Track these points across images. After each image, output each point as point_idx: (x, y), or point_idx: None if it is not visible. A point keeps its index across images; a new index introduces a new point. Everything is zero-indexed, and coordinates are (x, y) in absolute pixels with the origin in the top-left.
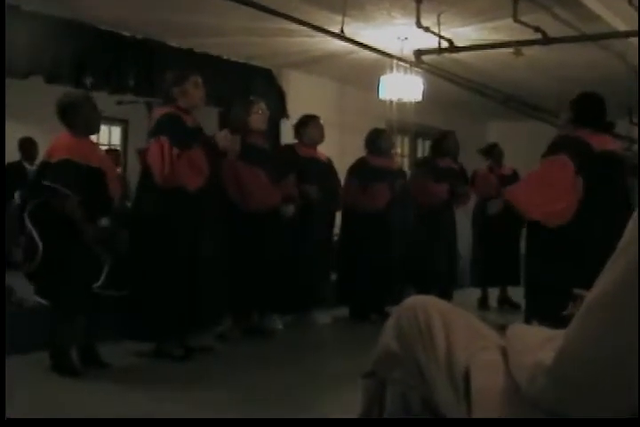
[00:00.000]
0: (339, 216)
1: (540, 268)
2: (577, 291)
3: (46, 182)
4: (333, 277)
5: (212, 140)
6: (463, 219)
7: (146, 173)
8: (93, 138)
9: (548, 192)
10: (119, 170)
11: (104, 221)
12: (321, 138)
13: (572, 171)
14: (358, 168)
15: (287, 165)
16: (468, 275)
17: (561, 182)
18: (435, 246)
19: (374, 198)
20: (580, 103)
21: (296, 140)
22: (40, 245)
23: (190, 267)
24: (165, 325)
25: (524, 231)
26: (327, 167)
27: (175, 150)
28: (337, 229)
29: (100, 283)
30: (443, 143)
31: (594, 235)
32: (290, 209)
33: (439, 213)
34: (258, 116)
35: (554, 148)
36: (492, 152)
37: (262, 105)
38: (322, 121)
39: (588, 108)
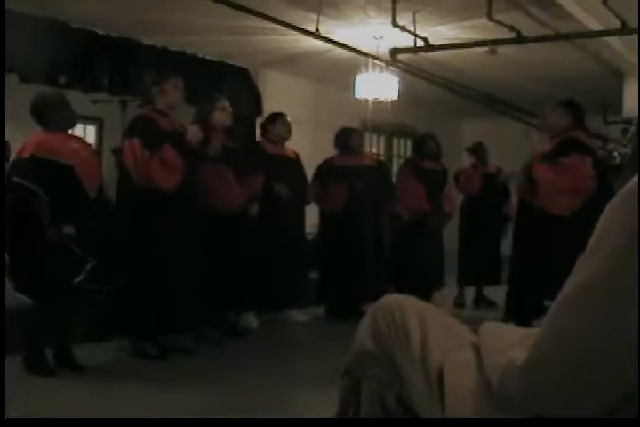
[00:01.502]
0: (310, 212)
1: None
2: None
3: (15, 179)
4: (313, 275)
5: (184, 138)
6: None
7: (123, 173)
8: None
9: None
10: None
11: (67, 229)
12: (288, 135)
13: (593, 173)
14: (320, 169)
15: (253, 162)
16: (455, 273)
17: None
18: (418, 246)
19: (332, 199)
20: (576, 107)
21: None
22: (7, 242)
23: (168, 266)
24: (142, 324)
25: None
26: (295, 163)
27: (146, 152)
28: (310, 227)
29: (80, 278)
30: (423, 145)
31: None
32: (254, 209)
33: (424, 213)
34: (221, 112)
35: (567, 149)
36: (477, 150)
37: (225, 102)
38: (289, 118)
39: (582, 112)
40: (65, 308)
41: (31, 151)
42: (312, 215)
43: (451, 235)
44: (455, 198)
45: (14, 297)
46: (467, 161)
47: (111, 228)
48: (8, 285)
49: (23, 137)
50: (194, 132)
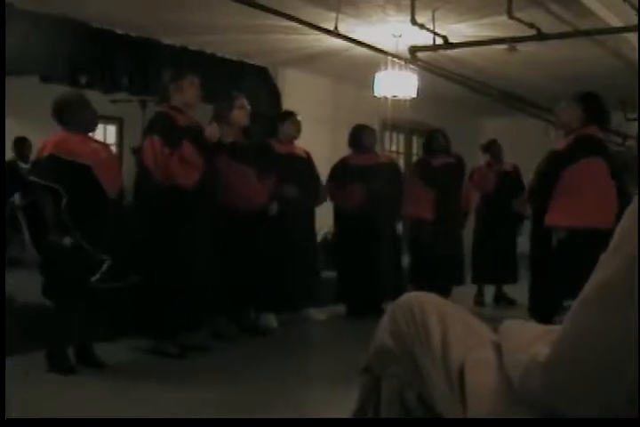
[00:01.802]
0: (322, 211)
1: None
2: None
3: (32, 178)
4: (328, 274)
5: (202, 135)
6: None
7: (143, 171)
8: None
9: (595, 199)
10: None
11: (67, 240)
12: (297, 133)
13: (609, 174)
14: (336, 169)
15: (265, 161)
16: (470, 272)
17: (604, 187)
18: (437, 244)
19: (349, 199)
20: (590, 101)
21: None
22: (30, 242)
23: (188, 265)
24: (163, 322)
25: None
26: (306, 162)
27: (166, 149)
28: (323, 226)
29: (96, 277)
30: (432, 141)
31: None
32: (274, 207)
33: (440, 213)
34: (239, 111)
35: (579, 149)
36: (491, 148)
37: (244, 100)
38: (299, 117)
39: (599, 106)
40: (83, 307)
41: (50, 151)
42: (327, 215)
43: (467, 233)
44: (473, 197)
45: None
46: (482, 159)
47: (130, 226)
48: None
49: (44, 137)
50: (212, 130)
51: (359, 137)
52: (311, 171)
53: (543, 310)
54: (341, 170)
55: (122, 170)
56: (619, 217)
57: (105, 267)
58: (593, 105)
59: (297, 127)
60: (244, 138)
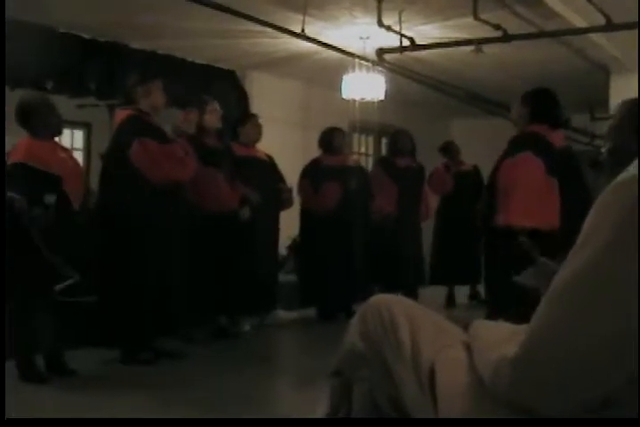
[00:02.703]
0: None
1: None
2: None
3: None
4: (290, 278)
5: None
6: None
7: (129, 174)
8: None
9: (532, 197)
10: None
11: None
12: (258, 136)
13: (543, 169)
14: (309, 169)
15: (228, 165)
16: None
17: (537, 182)
18: (400, 245)
19: (325, 198)
20: (535, 98)
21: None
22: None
23: (159, 269)
24: (134, 329)
25: None
26: (268, 166)
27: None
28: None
29: (60, 288)
30: (398, 142)
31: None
32: (246, 211)
33: (403, 211)
34: (212, 115)
35: (515, 146)
36: (448, 149)
37: (216, 104)
38: (260, 120)
39: (544, 104)
40: (44, 316)
41: (21, 159)
42: (294, 219)
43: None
44: (429, 202)
45: None
46: (439, 161)
47: (93, 238)
48: None
49: (9, 142)
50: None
51: (330, 139)
52: (273, 174)
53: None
54: (314, 170)
55: (87, 177)
56: (573, 216)
57: (70, 282)
58: (539, 103)
59: (258, 130)
60: (217, 142)
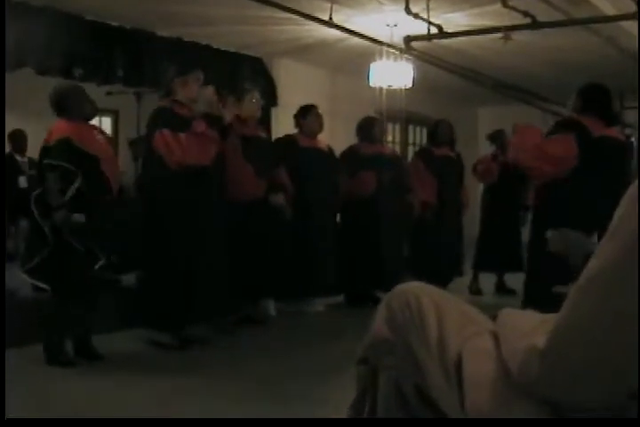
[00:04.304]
0: None
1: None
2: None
3: (47, 161)
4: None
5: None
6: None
7: (155, 161)
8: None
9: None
10: None
11: (80, 217)
12: (320, 128)
13: (576, 148)
14: (347, 156)
15: (283, 155)
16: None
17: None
18: (440, 235)
19: (361, 186)
20: (587, 92)
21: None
22: (47, 230)
23: (193, 255)
24: (164, 313)
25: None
26: (328, 156)
27: (177, 135)
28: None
29: (98, 266)
30: (437, 132)
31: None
32: (278, 198)
33: (443, 202)
34: (251, 104)
35: (556, 129)
36: (498, 138)
37: (256, 94)
38: (320, 110)
39: (595, 98)
40: (84, 299)
41: (62, 135)
42: None
43: (471, 224)
44: (467, 191)
45: (30, 288)
46: (488, 149)
47: (130, 219)
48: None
49: (40, 129)
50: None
51: (369, 128)
52: (333, 165)
53: (537, 298)
54: (352, 158)
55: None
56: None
57: (103, 261)
58: (590, 97)
59: (320, 121)
60: (257, 130)
